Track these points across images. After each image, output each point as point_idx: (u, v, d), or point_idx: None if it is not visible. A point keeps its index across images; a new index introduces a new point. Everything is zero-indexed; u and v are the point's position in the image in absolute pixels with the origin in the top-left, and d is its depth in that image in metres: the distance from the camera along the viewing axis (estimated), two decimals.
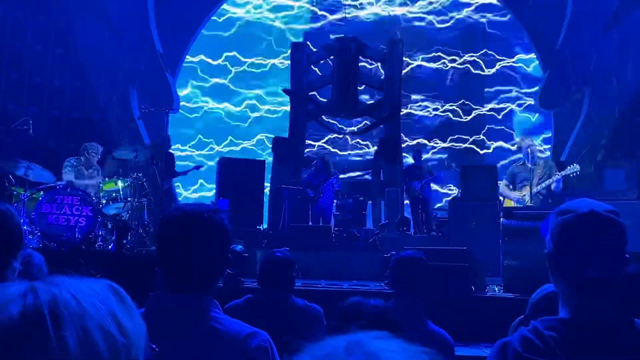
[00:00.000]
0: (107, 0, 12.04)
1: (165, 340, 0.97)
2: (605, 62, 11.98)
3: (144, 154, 8.50)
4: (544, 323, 1.42)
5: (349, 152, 15.20)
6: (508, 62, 15.04)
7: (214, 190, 11.11)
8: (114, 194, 7.66)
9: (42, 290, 0.68)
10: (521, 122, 14.98)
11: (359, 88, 11.30)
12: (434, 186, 11.08)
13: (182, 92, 14.92)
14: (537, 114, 14.59)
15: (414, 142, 14.76)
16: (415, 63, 15.25)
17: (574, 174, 7.15)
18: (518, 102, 15.07)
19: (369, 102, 12.05)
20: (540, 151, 8.50)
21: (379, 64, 12.91)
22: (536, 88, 14.12)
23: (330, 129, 13.21)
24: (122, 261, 5.87)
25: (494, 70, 15.10)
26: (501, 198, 7.84)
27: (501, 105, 15.11)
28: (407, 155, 11.52)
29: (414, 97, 15.47)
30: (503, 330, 2.30)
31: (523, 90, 14.99)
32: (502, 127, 15.11)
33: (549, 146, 13.59)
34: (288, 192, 9.72)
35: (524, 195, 7.34)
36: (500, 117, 15.13)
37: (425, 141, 15.12)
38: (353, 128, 13.66)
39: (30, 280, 0.71)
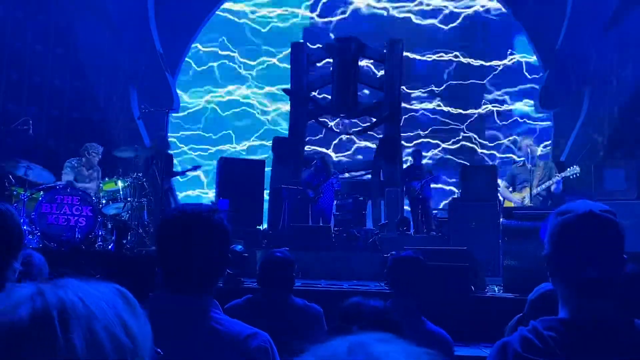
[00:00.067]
0: (107, 0, 12.03)
1: (165, 341, 0.97)
2: (605, 62, 11.97)
3: (144, 154, 8.51)
4: (544, 323, 1.42)
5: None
6: (507, 62, 15.03)
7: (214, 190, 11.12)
8: (114, 194, 7.66)
9: (50, 293, 0.69)
10: (520, 122, 14.97)
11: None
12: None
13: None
14: (536, 114, 14.58)
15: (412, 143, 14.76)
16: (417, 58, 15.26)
17: (574, 176, 7.15)
18: (517, 102, 15.06)
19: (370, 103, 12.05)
20: (540, 152, 8.49)
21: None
22: (535, 86, 14.13)
23: (329, 128, 13.21)
24: (122, 261, 5.86)
25: (492, 63, 15.10)
26: (501, 198, 7.84)
27: (502, 107, 15.10)
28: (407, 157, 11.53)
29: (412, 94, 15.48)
30: (503, 330, 2.30)
31: (521, 87, 14.98)
32: (502, 127, 15.11)
33: (549, 147, 13.58)
34: (288, 192, 9.72)
35: (524, 197, 7.34)
36: (499, 117, 15.13)
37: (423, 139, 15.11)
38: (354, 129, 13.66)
39: (31, 281, 0.71)
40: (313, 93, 11.89)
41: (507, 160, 13.97)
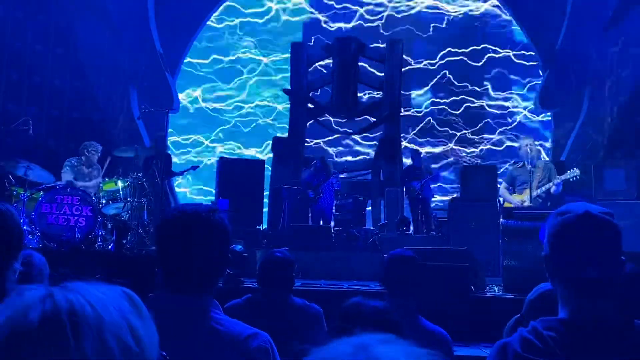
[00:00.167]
0: (107, 0, 12.03)
1: (165, 341, 0.97)
2: (605, 62, 11.97)
3: (143, 154, 8.51)
4: (543, 323, 1.43)
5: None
6: (507, 62, 15.03)
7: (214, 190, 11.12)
8: (113, 194, 7.66)
9: (60, 297, 0.69)
10: (520, 122, 14.97)
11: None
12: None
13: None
14: (536, 114, 14.58)
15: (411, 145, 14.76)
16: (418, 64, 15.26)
17: (574, 178, 7.14)
18: (517, 102, 15.06)
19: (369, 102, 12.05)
20: (539, 151, 8.47)
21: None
22: (534, 84, 14.13)
23: (329, 128, 13.21)
24: (122, 261, 5.86)
25: (491, 63, 15.10)
26: (501, 199, 7.84)
27: (501, 104, 15.10)
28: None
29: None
30: (503, 331, 2.30)
31: (521, 87, 14.98)
32: (501, 126, 15.10)
33: (549, 146, 13.59)
34: (288, 192, 9.72)
35: (524, 200, 7.33)
36: (498, 116, 15.13)
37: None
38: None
39: (31, 281, 0.71)
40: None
41: (507, 161, 13.99)
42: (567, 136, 12.64)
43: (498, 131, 15.11)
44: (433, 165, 12.20)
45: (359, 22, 15.38)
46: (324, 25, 15.41)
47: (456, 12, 15.22)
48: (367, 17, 15.48)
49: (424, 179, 9.66)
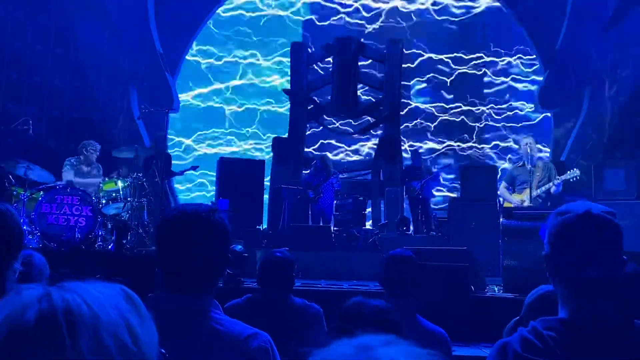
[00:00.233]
0: (107, 0, 12.04)
1: (165, 341, 0.97)
2: (605, 62, 11.97)
3: (143, 154, 8.51)
4: (543, 323, 1.43)
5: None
6: (507, 62, 15.02)
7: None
8: (113, 194, 7.66)
9: (57, 296, 0.69)
10: (520, 122, 14.96)
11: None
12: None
13: None
14: (536, 114, 14.58)
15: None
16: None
17: (574, 179, 7.15)
18: (517, 102, 15.05)
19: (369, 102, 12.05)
20: (540, 150, 8.48)
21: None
22: (536, 87, 14.13)
23: (329, 128, 13.21)
24: (122, 261, 5.87)
25: (492, 65, 15.10)
26: (501, 199, 7.84)
27: (501, 105, 15.10)
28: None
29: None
30: (503, 331, 2.30)
31: (521, 87, 14.98)
32: (501, 127, 15.10)
33: (549, 147, 13.59)
34: (288, 192, 9.72)
35: (524, 199, 7.34)
36: (498, 116, 15.13)
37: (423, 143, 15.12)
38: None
39: (31, 281, 0.71)
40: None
41: (507, 160, 14.00)
42: (567, 136, 12.64)
43: (498, 131, 15.11)
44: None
45: (358, 20, 15.37)
46: (322, 24, 15.40)
47: (456, 11, 15.21)
48: (367, 15, 15.47)
49: (424, 179, 9.66)
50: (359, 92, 11.64)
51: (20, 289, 0.70)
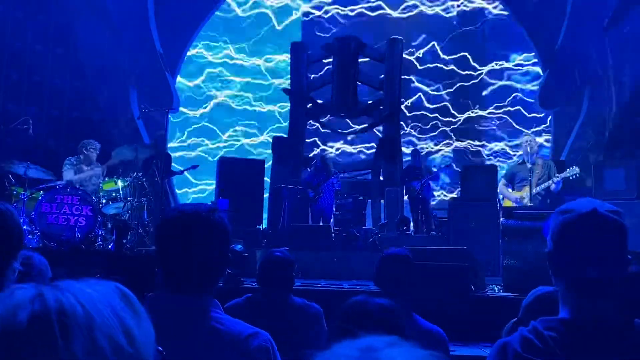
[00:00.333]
0: (107, 0, 12.04)
1: (165, 341, 0.97)
2: (605, 62, 11.97)
3: (143, 154, 8.51)
4: (544, 323, 1.42)
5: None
6: (507, 62, 15.03)
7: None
8: (113, 194, 7.66)
9: (50, 296, 0.68)
10: (520, 122, 14.97)
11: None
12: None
13: None
14: (536, 113, 14.58)
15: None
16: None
17: (574, 177, 7.16)
18: (517, 101, 15.05)
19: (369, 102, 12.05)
20: (540, 146, 8.49)
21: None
22: (536, 86, 14.13)
23: (329, 128, 13.21)
24: (122, 261, 5.86)
25: (491, 67, 15.10)
26: (501, 196, 7.85)
27: (500, 105, 15.10)
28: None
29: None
30: (502, 332, 2.30)
31: (520, 87, 14.98)
32: (501, 127, 15.10)
33: (549, 143, 13.59)
34: (288, 192, 9.72)
35: (523, 197, 7.34)
36: (498, 116, 15.13)
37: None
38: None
39: (30, 282, 0.71)
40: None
41: (507, 159, 14.00)
42: (567, 136, 12.64)
43: (498, 131, 15.11)
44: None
45: (357, 19, 15.37)
46: (322, 22, 15.40)
47: (456, 11, 15.21)
48: (368, 13, 15.47)
49: (424, 179, 9.66)
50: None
51: (13, 289, 0.69)
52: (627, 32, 11.36)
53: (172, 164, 9.94)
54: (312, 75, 11.90)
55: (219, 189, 10.05)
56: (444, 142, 15.26)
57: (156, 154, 8.65)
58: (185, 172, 9.83)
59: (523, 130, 13.92)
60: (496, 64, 15.05)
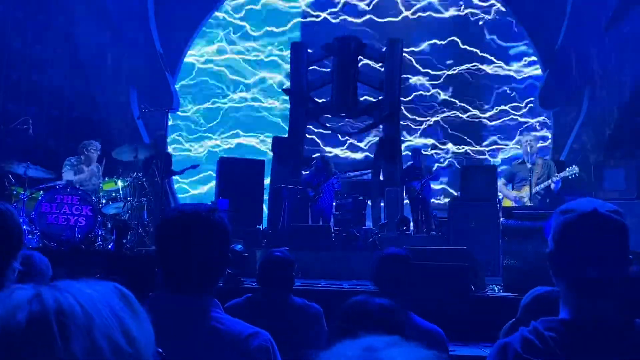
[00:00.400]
0: (107, 0, 12.04)
1: (165, 341, 0.97)
2: (605, 62, 11.97)
3: (143, 154, 8.51)
4: (545, 323, 1.42)
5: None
6: (507, 62, 15.02)
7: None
8: (113, 194, 7.66)
9: (48, 297, 0.68)
10: (520, 121, 14.96)
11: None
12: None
13: None
14: (536, 113, 14.58)
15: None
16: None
17: (573, 176, 7.16)
18: (517, 101, 15.04)
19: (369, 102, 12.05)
20: (541, 147, 8.50)
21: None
22: (536, 86, 14.12)
23: (329, 128, 13.21)
24: (121, 261, 5.86)
25: (491, 68, 15.09)
26: (500, 195, 7.85)
27: (500, 105, 15.09)
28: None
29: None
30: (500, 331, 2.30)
31: (520, 86, 14.97)
32: (500, 126, 15.09)
33: (548, 142, 13.59)
34: (288, 192, 9.72)
35: (523, 196, 7.35)
36: (498, 117, 15.12)
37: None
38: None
39: (31, 281, 0.71)
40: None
41: (508, 159, 14.00)
42: (567, 136, 12.64)
43: (497, 130, 15.10)
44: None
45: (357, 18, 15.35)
46: (322, 22, 15.38)
47: (456, 11, 15.20)
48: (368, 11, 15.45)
49: (424, 179, 9.66)
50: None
51: (12, 290, 0.69)
52: (627, 32, 11.36)
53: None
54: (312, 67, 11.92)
55: (219, 189, 10.06)
56: (444, 141, 15.25)
57: (156, 154, 8.65)
58: (186, 172, 9.82)
59: (523, 130, 13.93)
60: (496, 64, 15.03)
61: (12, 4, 11.20)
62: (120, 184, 7.66)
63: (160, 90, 13.08)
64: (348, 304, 1.96)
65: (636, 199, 7.96)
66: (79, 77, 11.93)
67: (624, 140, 11.08)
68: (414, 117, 15.06)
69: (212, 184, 12.92)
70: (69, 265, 4.72)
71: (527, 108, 14.72)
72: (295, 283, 3.53)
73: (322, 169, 9.83)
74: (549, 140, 13.78)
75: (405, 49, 12.21)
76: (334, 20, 15.26)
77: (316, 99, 11.75)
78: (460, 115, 15.13)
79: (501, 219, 6.84)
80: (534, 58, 14.36)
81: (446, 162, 14.19)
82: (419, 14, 15.22)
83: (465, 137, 15.09)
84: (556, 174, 7.28)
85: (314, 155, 11.31)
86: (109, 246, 7.05)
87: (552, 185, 7.20)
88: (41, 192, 7.19)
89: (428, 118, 15.22)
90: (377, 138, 12.35)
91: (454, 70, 15.22)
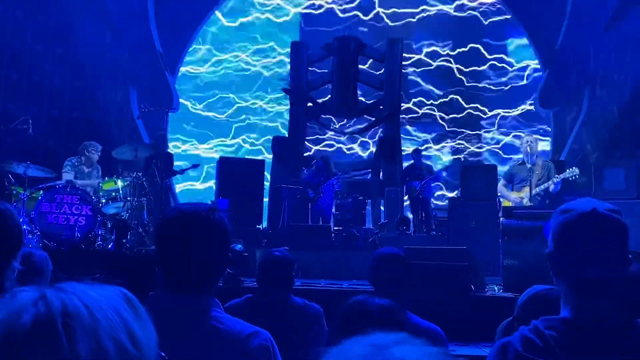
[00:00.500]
0: (107, 0, 12.04)
1: (165, 341, 0.97)
2: (605, 62, 11.98)
3: (143, 154, 8.51)
4: (545, 322, 1.42)
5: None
6: (507, 61, 15.02)
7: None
8: (113, 194, 7.66)
9: (54, 298, 0.68)
10: (520, 121, 14.96)
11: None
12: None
13: None
14: (536, 113, 14.57)
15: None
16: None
17: (573, 178, 7.16)
18: (517, 101, 15.04)
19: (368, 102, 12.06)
20: (542, 149, 8.50)
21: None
22: (536, 86, 14.12)
23: (329, 128, 13.22)
24: (121, 260, 5.86)
25: (490, 67, 15.09)
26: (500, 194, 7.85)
27: (500, 104, 15.09)
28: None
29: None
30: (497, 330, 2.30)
31: (520, 86, 14.97)
32: (500, 126, 15.10)
33: (548, 140, 13.59)
34: (288, 192, 9.72)
35: (522, 197, 7.34)
36: (497, 116, 15.12)
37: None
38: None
39: (31, 279, 0.71)
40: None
41: (508, 159, 13.99)
42: (567, 136, 12.64)
43: (497, 131, 15.11)
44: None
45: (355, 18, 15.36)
46: (321, 21, 15.38)
47: (456, 11, 15.20)
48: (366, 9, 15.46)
49: (424, 179, 9.66)
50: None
51: (17, 291, 0.69)
52: (627, 32, 11.36)
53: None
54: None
55: (219, 189, 10.06)
56: (444, 141, 15.25)
57: (156, 154, 8.64)
58: (186, 172, 9.82)
59: (523, 130, 13.93)
60: (496, 64, 15.03)
61: (12, 4, 11.20)
62: (120, 183, 7.65)
63: (160, 90, 13.08)
64: (348, 304, 1.96)
65: (636, 199, 7.96)
66: (79, 77, 11.93)
67: (624, 140, 11.09)
68: (412, 114, 15.06)
69: (211, 182, 12.95)
70: (68, 265, 4.72)
71: (527, 108, 14.72)
72: (295, 283, 3.53)
73: (322, 169, 9.83)
74: (549, 140, 13.77)
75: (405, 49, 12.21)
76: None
77: (317, 100, 11.76)
78: (460, 115, 15.13)
79: (501, 219, 6.84)
80: (534, 57, 14.36)
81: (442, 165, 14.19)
82: (420, 14, 15.22)
83: (464, 131, 15.08)
84: (556, 175, 7.27)
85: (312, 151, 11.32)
86: (109, 246, 7.04)
87: (552, 187, 7.20)
88: (41, 191, 7.18)
89: (427, 112, 15.23)
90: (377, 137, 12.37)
91: (454, 70, 15.21)
